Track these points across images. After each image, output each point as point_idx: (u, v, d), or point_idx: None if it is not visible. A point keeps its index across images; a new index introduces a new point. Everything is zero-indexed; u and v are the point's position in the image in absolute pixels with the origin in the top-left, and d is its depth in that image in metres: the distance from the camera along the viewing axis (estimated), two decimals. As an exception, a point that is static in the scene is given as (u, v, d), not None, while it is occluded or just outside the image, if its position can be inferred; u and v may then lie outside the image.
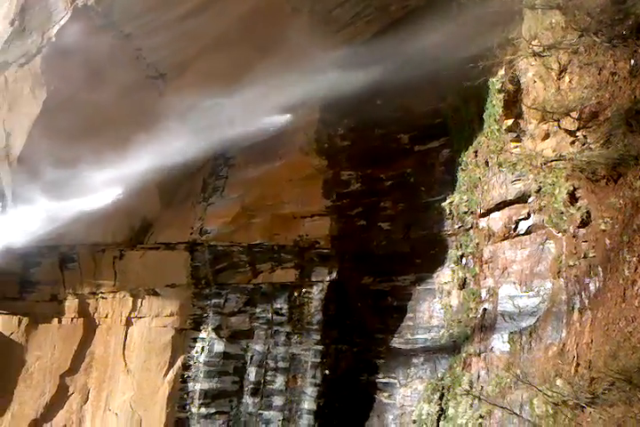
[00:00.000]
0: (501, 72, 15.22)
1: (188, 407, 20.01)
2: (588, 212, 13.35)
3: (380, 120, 18.90)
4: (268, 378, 19.31)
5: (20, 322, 24.18)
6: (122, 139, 19.52)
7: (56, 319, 23.54)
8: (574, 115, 13.24)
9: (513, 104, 14.96)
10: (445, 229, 17.73)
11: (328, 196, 19.68)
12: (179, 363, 20.56)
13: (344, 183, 19.58)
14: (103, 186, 20.41)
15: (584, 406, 11.68)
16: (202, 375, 19.97)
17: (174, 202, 21.90)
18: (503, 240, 15.28)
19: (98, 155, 19.69)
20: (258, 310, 19.91)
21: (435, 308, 17.50)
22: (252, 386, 19.47)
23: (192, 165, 21.14)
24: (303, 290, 19.46)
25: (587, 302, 13.00)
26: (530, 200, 14.78)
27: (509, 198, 15.18)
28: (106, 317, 22.71)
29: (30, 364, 23.64)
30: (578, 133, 13.41)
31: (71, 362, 22.89)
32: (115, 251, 22.32)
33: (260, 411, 19.16)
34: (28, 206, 21.48)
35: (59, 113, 19.97)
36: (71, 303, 23.32)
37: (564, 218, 13.81)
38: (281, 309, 19.59)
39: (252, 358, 19.66)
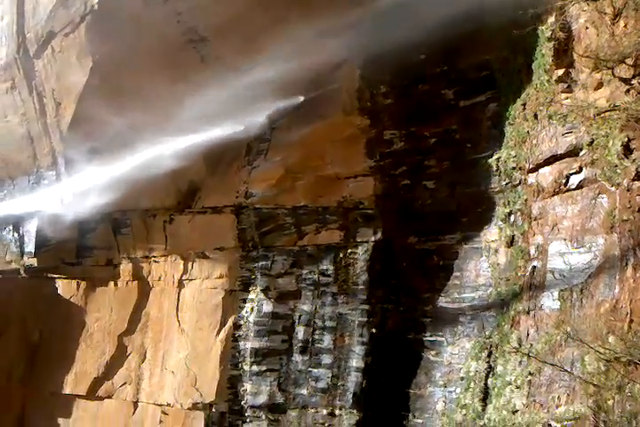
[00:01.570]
0: (551, 19, 14.37)
1: (240, 365, 20.68)
2: (643, 164, 12.75)
3: (424, 75, 18.32)
4: (316, 337, 19.67)
5: (78, 286, 25.40)
6: (167, 105, 19.71)
7: (112, 283, 24.57)
8: (629, 61, 12.50)
9: (564, 53, 14.19)
10: (492, 186, 17.23)
11: (371, 155, 19.38)
12: (229, 323, 21.19)
13: (387, 142, 19.18)
14: (152, 152, 20.77)
15: (637, 363, 11.48)
16: (252, 334, 20.53)
17: (220, 166, 22.11)
18: (553, 196, 14.77)
19: (145, 121, 20.00)
20: (304, 272, 20.13)
21: (482, 266, 17.23)
22: (300, 344, 19.88)
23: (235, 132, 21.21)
24: (348, 251, 19.51)
25: (641, 257, 12.58)
26: (581, 153, 14.15)
27: (560, 152, 14.56)
28: (159, 279, 23.51)
29: (90, 325, 24.88)
30: (633, 81, 12.69)
31: (128, 323, 23.94)
32: (165, 215, 22.90)
33: (310, 368, 19.61)
34: (81, 174, 22.18)
35: (105, 81, 20.29)
36: (125, 267, 24.22)
37: (618, 171, 13.19)
38: (327, 270, 19.73)
39: (299, 318, 20.02)
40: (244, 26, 18.57)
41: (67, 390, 24.69)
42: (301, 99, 19.80)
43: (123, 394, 23.48)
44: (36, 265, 24.71)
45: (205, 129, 20.07)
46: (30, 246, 24.66)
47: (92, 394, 24.12)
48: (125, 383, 23.54)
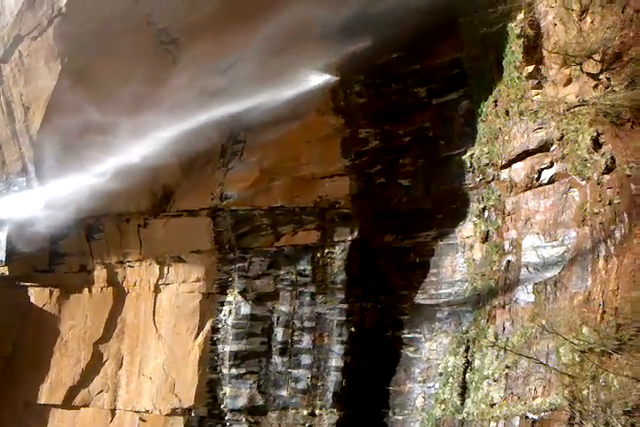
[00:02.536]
0: (520, 16, 14.67)
1: (219, 369, 20.50)
2: (612, 157, 12.99)
3: (396, 74, 18.47)
4: (295, 338, 19.63)
5: (51, 293, 24.92)
6: (138, 108, 19.50)
7: (86, 289, 24.17)
8: (597, 57, 12.79)
9: (533, 49, 14.47)
10: (466, 182, 17.46)
11: (347, 155, 19.49)
12: (208, 326, 21.00)
13: (362, 141, 19.32)
14: (122, 156, 20.52)
15: (611, 353, 11.67)
16: (231, 337, 20.39)
17: (194, 169, 21.96)
18: (525, 191, 15.01)
19: (115, 125, 19.77)
20: (282, 272, 20.09)
21: (458, 262, 17.42)
22: (279, 346, 19.82)
23: (210, 132, 21.10)
24: (326, 250, 19.53)
25: (612, 249, 12.80)
26: (552, 148, 14.42)
27: (531, 148, 14.81)
28: (134, 285, 23.19)
29: (64, 333, 24.41)
30: (601, 76, 12.97)
31: (104, 330, 23.56)
32: (139, 220, 22.65)
33: (289, 369, 19.55)
34: (50, 180, 21.79)
35: (74, 84, 20.00)
36: (100, 273, 23.86)
37: (588, 165, 13.48)
38: (304, 270, 19.73)
39: (278, 319, 19.96)
40: (213, 26, 18.50)
41: (42, 399, 24.19)
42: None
43: (100, 402, 23.08)
44: (7, 274, 24.22)
45: (181, 129, 19.91)
46: (0, 255, 24.16)
47: (68, 403, 23.67)
48: (102, 391, 23.15)
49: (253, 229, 20.53)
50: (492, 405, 14.16)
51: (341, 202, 19.44)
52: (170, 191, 22.35)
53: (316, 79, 18.92)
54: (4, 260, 24.09)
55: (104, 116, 19.64)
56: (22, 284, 25.00)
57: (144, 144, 20.17)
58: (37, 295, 25.08)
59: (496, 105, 16.18)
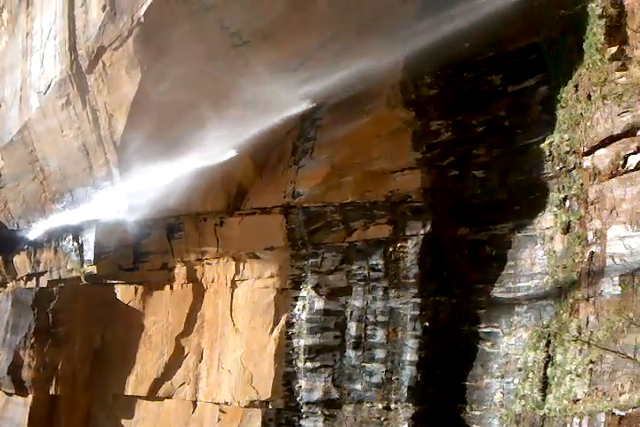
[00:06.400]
0: (601, -5, 14.02)
1: (294, 362, 20.73)
2: None
3: (469, 63, 18.04)
4: (369, 332, 19.52)
5: (136, 290, 26.08)
6: (215, 110, 20.09)
7: (168, 286, 25.14)
8: (688, 33, 12.01)
9: (616, 30, 13.66)
10: (545, 171, 16.72)
11: (417, 148, 19.16)
12: (282, 321, 21.28)
13: (434, 133, 18.94)
14: (203, 158, 21.21)
15: None
16: (305, 332, 20.56)
17: (267, 167, 22.39)
18: (610, 178, 14.19)
19: (194, 128, 20.46)
20: (354, 267, 20.02)
21: (537, 254, 16.69)
22: (353, 340, 19.75)
23: (281, 130, 21.48)
24: (398, 245, 19.31)
25: None
26: (639, 133, 13.62)
27: (616, 133, 13.98)
28: (212, 281, 23.91)
29: (148, 328, 25.47)
30: (692, 53, 12.16)
31: (184, 324, 24.39)
32: (215, 219, 23.30)
33: (363, 364, 19.45)
34: (133, 183, 22.85)
35: (154, 91, 20.85)
36: (180, 270, 24.76)
37: (680, 148, 12.67)
38: (377, 265, 19.58)
39: (351, 314, 19.90)
40: (285, 27, 18.80)
41: (128, 391, 25.28)
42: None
43: (182, 394, 23.88)
44: (95, 272, 25.57)
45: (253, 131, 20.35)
46: (89, 255, 25.57)
47: (152, 395, 24.61)
48: (184, 383, 23.94)
49: (325, 225, 20.63)
50: (576, 401, 13.49)
51: (413, 196, 19.14)
52: (243, 190, 22.89)
53: (384, 73, 18.81)
54: (92, 259, 25.54)
55: (183, 119, 20.36)
56: (109, 281, 26.31)
57: (220, 146, 20.76)
58: (123, 292, 26.34)
59: (577, 90, 15.43)
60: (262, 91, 19.20)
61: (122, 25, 20.32)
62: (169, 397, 24.18)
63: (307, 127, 21.34)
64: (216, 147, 20.69)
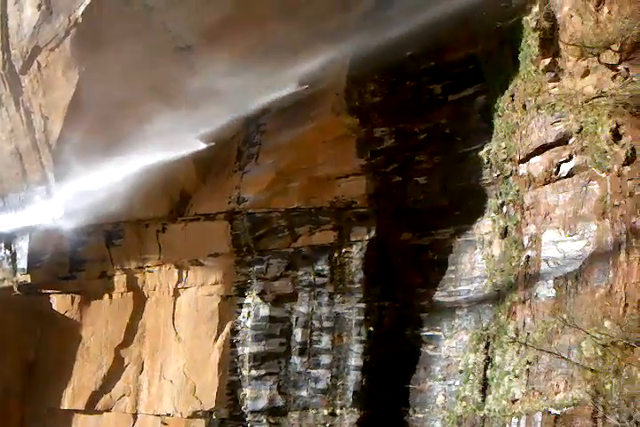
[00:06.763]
0: (535, 9, 14.64)
1: (238, 371, 20.50)
2: (632, 148, 12.86)
3: (411, 72, 18.50)
4: (314, 338, 19.58)
5: (73, 300, 25.22)
6: (155, 113, 19.75)
7: (107, 295, 24.39)
8: (615, 47, 12.72)
9: (549, 42, 14.40)
10: (484, 178, 17.36)
11: (362, 154, 19.46)
12: (227, 329, 21.03)
13: (377, 140, 19.30)
14: (141, 161, 20.77)
15: (634, 346, 11.49)
16: (250, 339, 20.39)
17: (211, 173, 22.15)
18: (544, 185, 14.87)
19: (133, 131, 20.03)
20: (300, 273, 20.07)
21: (476, 259, 17.27)
22: (298, 347, 19.77)
23: (226, 135, 21.32)
24: (343, 250, 19.50)
25: (634, 241, 12.63)
26: (571, 141, 14.28)
27: (550, 141, 14.69)
28: (154, 289, 23.36)
29: (86, 339, 24.66)
30: (619, 67, 12.90)
31: (124, 335, 23.72)
32: (157, 225, 22.81)
33: (309, 370, 19.48)
34: (69, 188, 22.13)
35: (91, 93, 20.33)
36: (120, 279, 24.07)
37: (608, 157, 13.34)
38: (322, 270, 19.70)
39: (297, 320, 19.91)
40: (230, 30, 18.72)
41: (65, 405, 24.40)
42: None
43: (122, 406, 23.21)
44: (29, 282, 24.53)
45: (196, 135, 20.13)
46: (23, 263, 24.51)
47: (90, 408, 23.84)
48: (124, 395, 23.27)
49: (270, 231, 20.57)
50: (514, 401, 13.97)
51: (358, 202, 19.40)
52: (187, 196, 22.53)
53: (329, 79, 19.03)
54: (26, 268, 24.47)
55: (120, 123, 19.91)
56: (44, 291, 25.31)
57: (162, 145, 20.38)
58: (59, 302, 25.38)
59: (513, 99, 16.10)
60: (212, 88, 19.03)
61: (58, 25, 19.80)
62: (108, 410, 23.48)
63: (252, 132, 21.29)
64: (162, 143, 20.30)
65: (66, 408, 24.38)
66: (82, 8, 19.26)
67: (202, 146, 20.87)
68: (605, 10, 12.97)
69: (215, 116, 19.56)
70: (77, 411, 24.21)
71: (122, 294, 24.15)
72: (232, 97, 19.30)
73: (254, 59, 18.40)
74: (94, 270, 24.49)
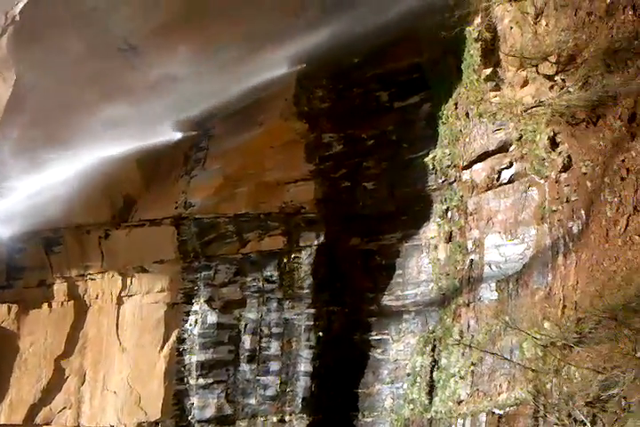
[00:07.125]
0: (477, 20, 15.14)
1: (186, 380, 20.08)
2: (569, 156, 13.45)
3: (359, 79, 18.80)
4: (263, 344, 19.43)
5: (9, 310, 24.04)
6: (96, 116, 19.27)
7: (46, 304, 23.41)
8: (552, 59, 13.23)
9: (490, 53, 14.92)
10: (429, 184, 17.78)
11: (311, 160, 19.55)
12: (173, 337, 20.58)
13: (326, 146, 19.46)
14: (79, 165, 20.15)
15: (572, 346, 11.91)
16: (197, 347, 20.03)
17: (157, 177, 21.69)
18: (487, 191, 15.38)
19: (72, 134, 19.45)
20: (248, 279, 19.90)
21: (423, 263, 17.63)
22: (247, 353, 19.56)
23: (171, 139, 20.96)
24: (292, 256, 19.46)
25: (571, 245, 13.19)
26: (511, 149, 14.86)
27: (491, 149, 15.24)
28: (96, 298, 22.61)
29: (24, 350, 23.57)
30: (556, 78, 13.41)
31: (65, 345, 22.83)
32: (99, 231, 22.12)
33: (258, 377, 19.31)
34: (4, 193, 21.20)
35: (31, 92, 19.60)
36: (60, 287, 23.19)
37: (546, 164, 13.92)
38: (271, 276, 19.60)
39: (245, 327, 19.71)
40: (172, 35, 18.46)
41: (2, 419, 23.21)
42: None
43: (62, 419, 22.32)
44: (-38, 291, 23.41)
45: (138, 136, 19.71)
46: (-44, 272, 23.37)
47: (29, 422, 22.77)
48: (65, 408, 22.40)
49: (218, 236, 20.32)
50: (459, 402, 14.31)
51: (306, 207, 19.43)
52: (131, 201, 21.97)
53: (278, 85, 19.05)
54: (-41, 277, 23.33)
55: (61, 125, 19.28)
56: (-22, 301, 24.18)
57: (103, 146, 19.83)
58: (-5, 312, 24.28)
59: (456, 107, 16.57)
60: (156, 86, 18.71)
61: (-5, 22, 19.02)
62: (48, 423, 22.49)
63: (199, 137, 20.98)
64: (108, 138, 19.73)
65: (3, 423, 23.21)
66: (20, 5, 18.56)
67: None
68: (543, 22, 13.50)
69: (160, 115, 19.18)
70: (15, 425, 23.09)
71: (62, 302, 23.27)
72: (174, 99, 19.01)
73: (201, 59, 18.17)
74: (33, 279, 23.54)
